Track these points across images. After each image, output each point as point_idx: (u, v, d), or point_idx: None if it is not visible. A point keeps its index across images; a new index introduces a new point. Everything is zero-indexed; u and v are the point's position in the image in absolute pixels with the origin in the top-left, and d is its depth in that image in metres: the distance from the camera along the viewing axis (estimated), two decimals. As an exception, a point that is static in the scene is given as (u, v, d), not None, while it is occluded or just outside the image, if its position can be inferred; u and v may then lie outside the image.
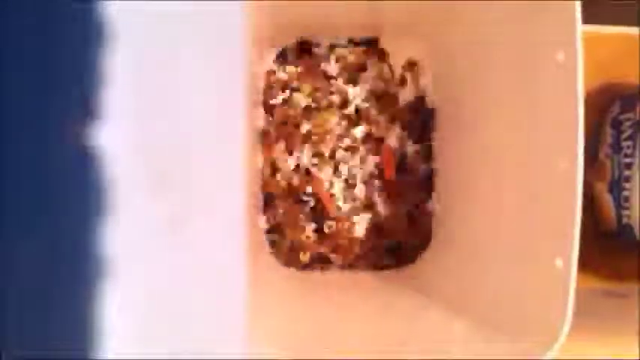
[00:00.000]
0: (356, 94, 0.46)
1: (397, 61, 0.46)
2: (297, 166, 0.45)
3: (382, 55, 0.46)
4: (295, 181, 0.45)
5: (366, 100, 0.46)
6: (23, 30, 0.20)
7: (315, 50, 0.46)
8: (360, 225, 0.46)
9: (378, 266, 0.45)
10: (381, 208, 0.46)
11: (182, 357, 0.23)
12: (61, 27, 0.20)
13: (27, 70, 0.20)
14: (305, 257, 0.45)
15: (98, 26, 0.20)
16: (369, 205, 0.46)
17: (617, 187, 0.43)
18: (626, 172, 0.42)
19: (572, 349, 0.27)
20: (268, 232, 0.45)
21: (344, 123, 0.46)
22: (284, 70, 0.46)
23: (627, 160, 0.42)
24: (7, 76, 0.20)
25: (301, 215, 0.45)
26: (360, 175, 0.46)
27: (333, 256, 0.45)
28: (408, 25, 0.43)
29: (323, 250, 0.45)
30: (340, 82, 0.46)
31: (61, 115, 0.20)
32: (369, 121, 0.46)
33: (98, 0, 0.20)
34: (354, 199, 0.46)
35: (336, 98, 0.46)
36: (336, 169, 0.45)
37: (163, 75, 0.24)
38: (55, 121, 0.20)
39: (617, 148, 0.43)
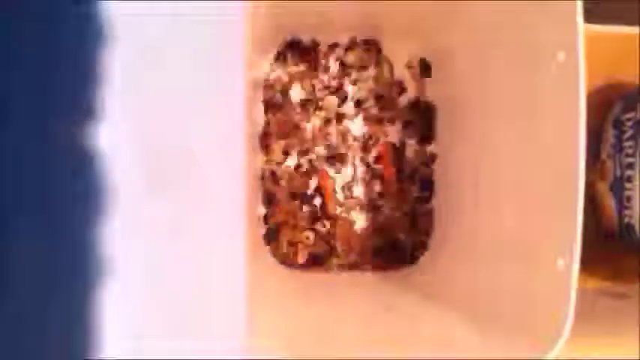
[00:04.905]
0: (355, 94, 0.46)
1: (398, 61, 0.46)
2: (298, 165, 0.45)
3: (382, 55, 0.46)
4: (295, 180, 0.45)
5: (365, 99, 0.46)
6: (23, 30, 0.20)
7: (315, 50, 0.46)
8: (360, 225, 0.45)
9: (378, 266, 0.45)
10: (381, 207, 0.46)
11: (182, 357, 0.23)
12: (61, 27, 0.20)
13: (27, 70, 0.20)
14: (304, 257, 0.45)
15: (98, 26, 0.20)
16: (368, 205, 0.46)
17: (618, 186, 0.42)
18: (628, 172, 0.42)
19: (572, 349, 0.27)
20: (268, 231, 0.45)
21: (344, 123, 0.46)
22: (284, 70, 0.45)
23: (629, 159, 0.42)
24: (7, 76, 0.20)
25: (301, 215, 0.45)
26: (359, 174, 0.46)
27: (332, 255, 0.45)
28: (408, 25, 0.43)
29: (323, 250, 0.45)
30: (340, 81, 0.46)
31: (61, 115, 0.20)
32: (369, 121, 0.46)
33: (98, 0, 0.20)
34: (353, 199, 0.46)
35: (336, 98, 0.46)
36: (336, 169, 0.45)
37: (163, 75, 0.24)
38: (55, 121, 0.20)
39: (618, 147, 0.43)
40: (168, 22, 0.24)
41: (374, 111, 0.46)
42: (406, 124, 0.46)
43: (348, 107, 0.46)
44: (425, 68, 0.45)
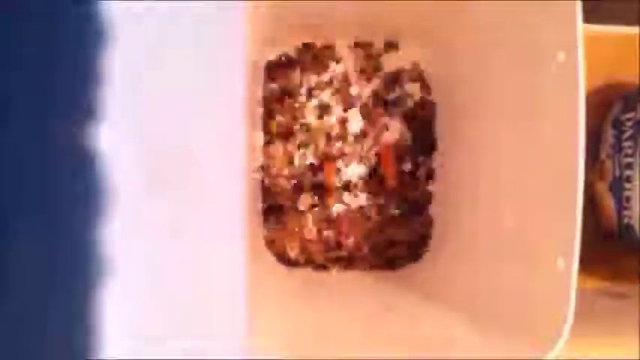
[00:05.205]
0: (357, 94, 0.46)
1: (399, 63, 0.46)
2: (297, 164, 0.45)
3: (383, 57, 0.46)
4: (295, 179, 0.45)
5: (367, 100, 0.46)
6: (23, 30, 0.20)
7: (318, 52, 0.46)
8: (360, 223, 0.45)
9: (377, 266, 0.45)
10: (382, 208, 0.46)
11: (182, 357, 0.23)
12: (61, 27, 0.20)
13: (27, 70, 0.20)
14: (304, 257, 0.45)
15: (98, 26, 0.20)
16: (369, 205, 0.46)
17: (618, 187, 0.42)
18: (627, 172, 0.42)
19: (572, 349, 0.27)
20: (268, 231, 0.45)
21: (345, 123, 0.46)
22: (287, 69, 0.45)
23: (628, 159, 0.42)
24: (7, 76, 0.20)
25: (301, 215, 0.45)
26: (360, 175, 0.46)
27: (332, 254, 0.45)
28: (409, 27, 0.43)
29: (323, 249, 0.45)
30: (341, 82, 0.46)
31: (61, 115, 0.20)
32: (370, 122, 0.46)
33: (98, 0, 0.20)
34: (354, 197, 0.45)
35: (337, 98, 0.46)
36: (337, 169, 0.46)
37: (163, 75, 0.24)
38: (55, 121, 0.20)
39: (618, 147, 0.43)
40: (168, 22, 0.24)
41: (375, 112, 0.46)
42: (407, 126, 0.46)
43: (350, 108, 0.46)
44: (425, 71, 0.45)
